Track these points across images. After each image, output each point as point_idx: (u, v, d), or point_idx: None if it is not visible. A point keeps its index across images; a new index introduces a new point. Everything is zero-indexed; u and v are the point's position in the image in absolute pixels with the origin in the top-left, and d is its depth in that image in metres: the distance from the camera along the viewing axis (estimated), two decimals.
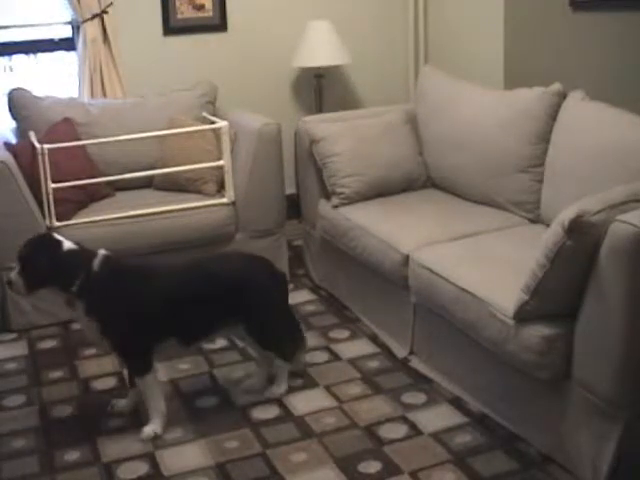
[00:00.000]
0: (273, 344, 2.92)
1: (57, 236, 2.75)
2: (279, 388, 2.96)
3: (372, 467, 2.54)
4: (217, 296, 2.78)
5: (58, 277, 2.65)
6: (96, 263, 2.68)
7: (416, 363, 3.15)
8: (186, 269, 2.88)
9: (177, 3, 4.46)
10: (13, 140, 3.92)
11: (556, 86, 3.30)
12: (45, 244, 2.70)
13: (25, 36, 4.33)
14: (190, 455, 2.65)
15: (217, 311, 2.81)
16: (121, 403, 2.92)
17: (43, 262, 2.63)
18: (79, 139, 3.85)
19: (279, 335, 2.93)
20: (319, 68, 4.62)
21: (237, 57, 4.66)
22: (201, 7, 4.52)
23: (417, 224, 3.33)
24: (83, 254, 2.71)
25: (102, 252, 2.72)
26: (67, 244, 2.69)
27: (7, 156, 3.54)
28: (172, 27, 4.49)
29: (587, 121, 3.10)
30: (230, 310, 2.80)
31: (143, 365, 2.74)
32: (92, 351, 3.38)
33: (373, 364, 3.19)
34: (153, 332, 2.74)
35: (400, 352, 3.24)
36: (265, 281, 2.87)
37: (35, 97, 4.01)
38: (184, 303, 2.73)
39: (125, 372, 3.02)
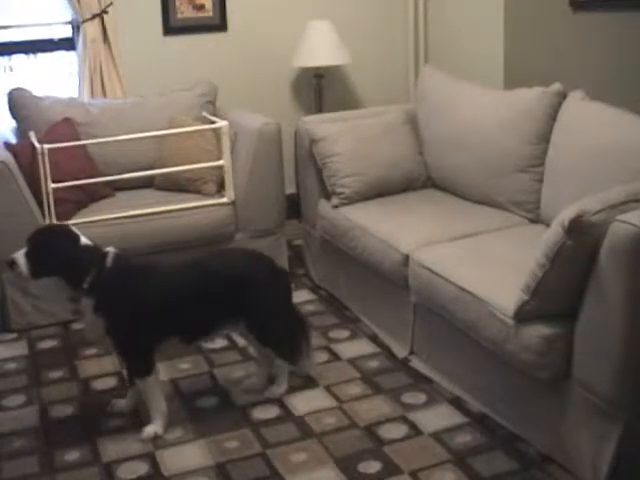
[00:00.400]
0: (273, 342, 2.92)
1: (75, 230, 2.73)
2: (279, 388, 2.96)
3: (372, 467, 2.54)
4: (220, 293, 2.78)
5: (70, 270, 2.64)
6: (108, 261, 2.68)
7: (416, 363, 3.15)
8: (190, 267, 2.87)
9: (177, 3, 4.47)
10: (13, 140, 3.92)
11: (556, 86, 3.30)
12: (64, 235, 2.69)
13: (25, 36, 4.32)
14: (190, 455, 2.64)
15: (220, 308, 2.80)
16: (121, 403, 2.92)
17: (58, 251, 2.62)
18: (79, 139, 3.85)
19: (279, 334, 2.92)
20: (319, 68, 4.62)
21: (237, 57, 4.66)
22: (201, 7, 4.53)
23: (417, 224, 3.33)
24: (97, 251, 2.71)
25: (112, 250, 2.72)
26: (84, 239, 2.69)
27: (7, 156, 3.54)
28: (172, 27, 4.49)
29: (587, 121, 3.10)
30: (232, 307, 2.80)
31: (145, 366, 2.74)
32: (92, 351, 3.38)
33: (373, 364, 3.19)
34: (159, 331, 2.74)
35: (400, 352, 3.24)
36: (266, 278, 2.86)
37: (35, 97, 4.01)
38: (190, 301, 2.73)
39: (125, 371, 3.02)
